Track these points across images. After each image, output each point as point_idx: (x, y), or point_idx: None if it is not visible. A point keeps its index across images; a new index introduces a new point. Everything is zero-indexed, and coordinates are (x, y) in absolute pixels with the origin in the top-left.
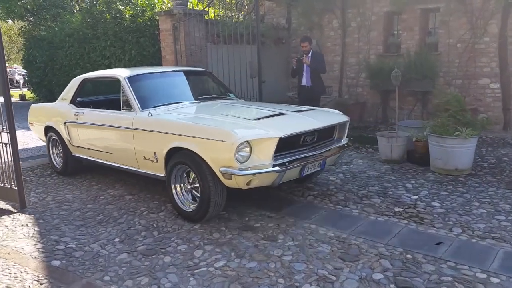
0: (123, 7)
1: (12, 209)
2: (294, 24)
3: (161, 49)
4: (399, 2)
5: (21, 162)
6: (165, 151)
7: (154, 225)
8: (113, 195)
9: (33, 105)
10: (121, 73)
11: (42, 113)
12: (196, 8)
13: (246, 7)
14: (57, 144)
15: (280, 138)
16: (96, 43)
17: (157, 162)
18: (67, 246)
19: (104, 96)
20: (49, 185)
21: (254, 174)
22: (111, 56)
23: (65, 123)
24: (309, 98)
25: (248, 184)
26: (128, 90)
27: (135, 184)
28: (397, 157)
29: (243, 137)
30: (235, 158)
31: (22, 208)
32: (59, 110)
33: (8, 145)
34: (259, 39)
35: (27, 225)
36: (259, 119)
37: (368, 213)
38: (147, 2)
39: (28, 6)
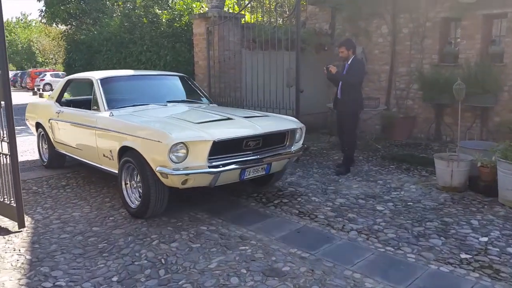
0: (160, 11)
1: (10, 229)
2: (338, 29)
3: (194, 54)
4: (458, 7)
5: (36, 171)
6: (117, 149)
7: (163, 260)
8: (124, 216)
9: (30, 102)
10: (95, 75)
11: (34, 110)
12: (232, 11)
13: (287, 12)
14: (45, 140)
15: (214, 142)
16: (133, 48)
17: (112, 159)
18: (56, 283)
19: (85, 97)
20: (59, 199)
21: (187, 174)
22: (147, 61)
23: (49, 120)
24: (341, 111)
25: (183, 183)
26: (98, 91)
27: None
28: (457, 185)
29: (177, 138)
30: (169, 158)
31: (20, 228)
32: (46, 108)
33: (7, 156)
34: (298, 44)
35: (19, 250)
36: (202, 122)
37: (427, 259)
38: (184, 6)
39: (71, 11)
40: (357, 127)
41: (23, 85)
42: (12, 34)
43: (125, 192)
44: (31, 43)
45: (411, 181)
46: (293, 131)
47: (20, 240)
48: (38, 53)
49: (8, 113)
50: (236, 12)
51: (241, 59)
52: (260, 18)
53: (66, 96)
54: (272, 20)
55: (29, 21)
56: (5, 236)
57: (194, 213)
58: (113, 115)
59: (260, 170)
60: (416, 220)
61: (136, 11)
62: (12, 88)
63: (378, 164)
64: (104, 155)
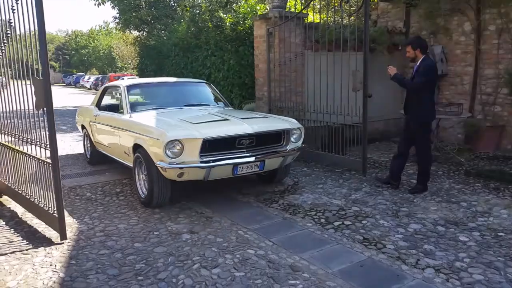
0: (225, 15)
1: (53, 240)
2: (413, 27)
3: (254, 58)
4: None
5: (94, 176)
6: (131, 146)
7: None
8: (170, 232)
9: (79, 106)
10: (124, 82)
11: (81, 114)
12: (295, 10)
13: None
14: (89, 139)
15: (204, 140)
16: (198, 53)
17: (129, 155)
18: None
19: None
20: (110, 208)
21: (181, 168)
22: (211, 65)
23: (89, 122)
24: (408, 120)
25: (179, 176)
26: (124, 96)
27: (200, 217)
28: None
29: (171, 136)
30: (166, 153)
31: (62, 239)
32: (88, 112)
33: (49, 165)
34: (367, 44)
35: (55, 266)
36: (200, 123)
37: None
38: (248, 9)
39: (143, 17)
40: (429, 138)
41: None
42: (95, 41)
43: (137, 184)
44: (112, 49)
45: (501, 204)
46: (288, 131)
47: (59, 253)
48: (117, 59)
49: (50, 120)
50: (298, 12)
51: (303, 61)
52: (323, 17)
53: (140, 100)
54: (337, 18)
55: (110, 29)
56: (46, 248)
57: (243, 232)
58: (132, 117)
59: (254, 167)
60: (510, 258)
61: (202, 15)
62: (95, 91)
63: (460, 181)
64: (125, 152)
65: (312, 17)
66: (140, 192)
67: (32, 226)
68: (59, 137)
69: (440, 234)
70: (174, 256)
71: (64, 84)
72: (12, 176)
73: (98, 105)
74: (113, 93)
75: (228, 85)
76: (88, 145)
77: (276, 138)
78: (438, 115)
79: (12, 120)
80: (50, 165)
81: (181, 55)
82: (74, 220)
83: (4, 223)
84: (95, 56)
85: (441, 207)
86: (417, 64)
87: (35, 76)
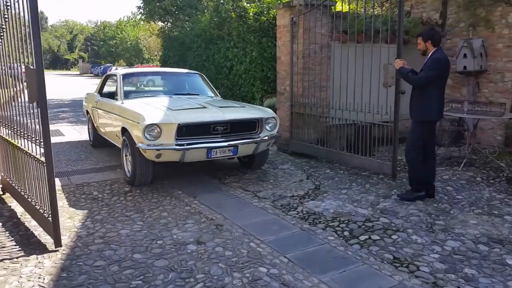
0: (248, 5)
1: (48, 246)
2: (450, 19)
3: (277, 49)
4: None
5: (104, 173)
6: (119, 129)
7: None
8: (175, 241)
9: (87, 93)
10: (120, 71)
11: (86, 100)
12: None
13: None
14: (92, 123)
15: (178, 124)
16: (221, 44)
17: (119, 138)
18: None
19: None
20: (115, 210)
21: (158, 149)
22: (233, 58)
23: (92, 107)
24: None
25: (157, 157)
26: (119, 84)
27: (210, 224)
28: None
29: (149, 121)
30: (145, 136)
31: (57, 246)
32: (92, 98)
33: (43, 164)
34: (400, 36)
35: (43, 279)
36: (178, 110)
37: None
38: None
39: (169, 8)
40: (430, 141)
41: None
42: (123, 32)
43: (124, 165)
44: (139, 40)
45: None
46: (262, 120)
47: (50, 263)
48: (144, 50)
49: (43, 114)
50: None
51: (329, 53)
52: (353, 7)
53: (135, 88)
54: (368, 7)
55: (138, 20)
56: (38, 256)
57: (255, 245)
58: (123, 103)
59: (227, 152)
60: None
61: (225, 5)
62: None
63: (502, 190)
64: (116, 135)
65: (341, 5)
66: (126, 171)
67: (29, 229)
68: (78, 128)
69: (483, 255)
70: (176, 272)
71: (92, 75)
72: (13, 173)
73: (100, 92)
74: (112, 81)
75: (250, 79)
76: (91, 129)
77: (250, 126)
78: (476, 115)
79: (11, 112)
80: (44, 164)
81: (204, 46)
82: (75, 223)
83: (0, 224)
84: (122, 47)
85: (482, 220)
86: (427, 57)
87: (28, 65)
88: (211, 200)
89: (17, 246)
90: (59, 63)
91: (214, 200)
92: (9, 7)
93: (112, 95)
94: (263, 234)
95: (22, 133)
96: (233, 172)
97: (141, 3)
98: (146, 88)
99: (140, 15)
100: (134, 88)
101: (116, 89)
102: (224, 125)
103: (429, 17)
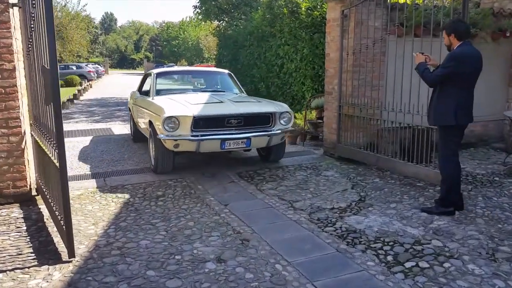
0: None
1: (62, 256)
2: None
3: (326, 45)
4: None
5: (139, 175)
6: (148, 122)
7: None
8: (194, 257)
9: (132, 91)
10: (155, 70)
11: (130, 97)
12: None
13: None
14: (132, 119)
15: (194, 117)
16: (272, 42)
17: (148, 130)
18: None
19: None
20: (142, 216)
21: (175, 139)
22: (284, 55)
23: (132, 104)
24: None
25: (175, 147)
26: (153, 82)
27: (236, 239)
28: None
29: (168, 113)
30: (164, 127)
31: (70, 257)
32: (132, 96)
33: (57, 168)
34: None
35: None
36: (197, 104)
37: None
38: None
39: (224, 6)
40: (454, 146)
41: None
42: (185, 32)
43: (150, 154)
44: (199, 40)
45: None
46: (275, 114)
47: (60, 276)
48: (204, 50)
49: (58, 117)
50: None
51: (384, 48)
52: None
53: (168, 86)
54: None
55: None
56: (50, 267)
57: (281, 267)
58: (153, 99)
59: (241, 143)
60: None
61: (279, 1)
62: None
63: None
64: (147, 128)
65: None
66: (152, 161)
67: (50, 235)
68: (129, 127)
69: None
70: None
71: None
72: (42, 174)
73: (140, 90)
74: (149, 79)
75: (300, 77)
76: (132, 125)
77: (264, 120)
78: None
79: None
80: (58, 169)
81: (256, 44)
82: (97, 230)
83: (25, 228)
84: (184, 47)
85: None
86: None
87: (44, 65)
88: (242, 209)
89: (33, 254)
90: (125, 62)
91: (246, 209)
92: (35, 6)
93: (147, 93)
94: (292, 254)
95: (45, 134)
96: (272, 177)
97: (198, 2)
98: (177, 86)
99: (197, 14)
100: (166, 86)
101: (150, 87)
102: (238, 118)
103: (501, 7)
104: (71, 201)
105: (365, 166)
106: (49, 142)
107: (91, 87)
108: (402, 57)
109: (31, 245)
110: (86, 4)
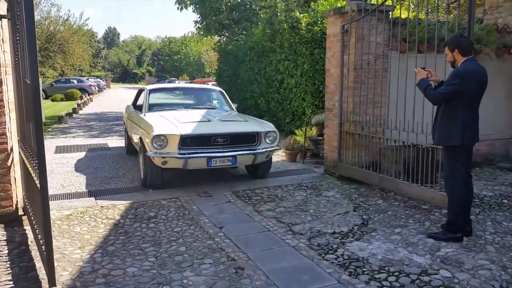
0: (302, 15)
1: (43, 285)
2: None
3: (326, 61)
4: None
5: (133, 194)
6: (138, 138)
7: None
8: (184, 287)
9: (127, 105)
10: (148, 87)
11: (125, 111)
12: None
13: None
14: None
15: (181, 135)
16: (272, 57)
17: (139, 144)
18: None
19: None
20: (132, 239)
21: (163, 157)
22: (284, 70)
23: (126, 118)
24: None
25: (163, 164)
26: (145, 98)
27: (230, 267)
28: None
29: (157, 132)
30: (153, 145)
31: (50, 286)
32: (127, 110)
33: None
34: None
35: None
36: (186, 122)
37: None
38: (328, 7)
39: (225, 21)
40: (464, 167)
41: None
42: (187, 47)
43: (141, 169)
44: (201, 55)
45: None
46: (260, 134)
47: None
48: (206, 64)
49: (38, 134)
50: (380, 3)
51: (386, 65)
52: (413, 14)
53: (161, 101)
54: (431, 13)
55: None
56: None
57: None
58: (145, 115)
59: (227, 161)
60: None
61: (279, 16)
62: None
63: None
64: (137, 144)
65: (400, 10)
66: (142, 175)
67: (33, 260)
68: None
69: None
70: None
71: None
72: (28, 194)
73: (134, 104)
74: (143, 94)
75: (301, 93)
76: (126, 138)
77: (250, 138)
78: None
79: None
80: (39, 190)
81: (256, 59)
82: (83, 255)
83: (7, 251)
84: (186, 62)
85: None
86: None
87: (26, 79)
88: (238, 233)
89: (11, 282)
90: (127, 76)
91: (241, 232)
92: (19, 16)
93: (141, 108)
94: (290, 286)
95: (29, 151)
96: (270, 197)
97: (198, 17)
98: (169, 102)
99: (198, 29)
100: (158, 102)
101: (143, 102)
102: (224, 137)
103: (505, 23)
104: (58, 222)
105: (368, 186)
106: (32, 160)
107: (91, 101)
108: (405, 74)
109: (11, 271)
110: (88, 18)
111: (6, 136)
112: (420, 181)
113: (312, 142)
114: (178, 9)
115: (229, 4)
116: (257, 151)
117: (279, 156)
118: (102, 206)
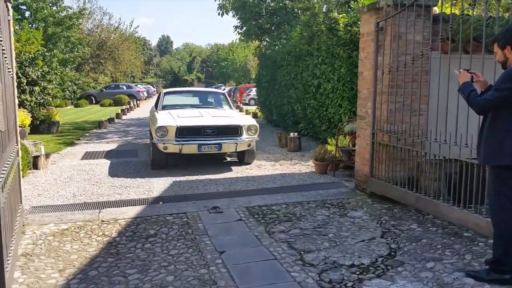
0: (340, 15)
1: None
2: None
3: (359, 63)
4: None
5: (136, 208)
6: (149, 131)
7: None
8: None
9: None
10: (164, 90)
11: (150, 112)
12: None
13: None
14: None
15: (177, 127)
16: (309, 61)
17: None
18: None
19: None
20: (119, 262)
21: (164, 143)
22: (321, 75)
23: (150, 117)
24: None
25: (164, 149)
26: (161, 99)
27: None
28: None
29: (160, 123)
30: (156, 134)
31: None
32: (151, 110)
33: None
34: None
35: None
36: (183, 117)
37: None
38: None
39: (266, 26)
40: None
41: (234, 99)
42: (233, 54)
43: (151, 151)
44: (247, 61)
45: None
46: (241, 127)
47: None
48: (251, 70)
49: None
50: None
51: (427, 67)
52: (459, 7)
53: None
54: (481, 8)
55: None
56: None
57: None
58: (157, 113)
59: (213, 148)
60: None
61: (317, 18)
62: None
63: None
64: (151, 135)
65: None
66: (150, 158)
67: None
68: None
69: None
70: None
71: None
72: None
73: (156, 105)
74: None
75: (337, 98)
76: (149, 135)
77: (234, 130)
78: None
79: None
80: None
81: (293, 64)
82: (59, 280)
83: None
84: (232, 68)
85: None
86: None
87: None
88: (238, 260)
89: None
90: (178, 83)
91: (243, 260)
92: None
93: (157, 107)
94: None
95: None
96: (287, 216)
97: (238, 22)
98: (179, 103)
99: (238, 35)
100: (170, 103)
101: (159, 102)
102: (212, 129)
103: None
104: (50, 238)
105: (402, 207)
106: None
107: (138, 106)
108: (447, 77)
109: None
110: (138, 26)
111: None
112: (463, 202)
113: (344, 153)
114: (219, 14)
115: (269, 8)
116: (238, 140)
117: (308, 167)
118: (102, 221)
